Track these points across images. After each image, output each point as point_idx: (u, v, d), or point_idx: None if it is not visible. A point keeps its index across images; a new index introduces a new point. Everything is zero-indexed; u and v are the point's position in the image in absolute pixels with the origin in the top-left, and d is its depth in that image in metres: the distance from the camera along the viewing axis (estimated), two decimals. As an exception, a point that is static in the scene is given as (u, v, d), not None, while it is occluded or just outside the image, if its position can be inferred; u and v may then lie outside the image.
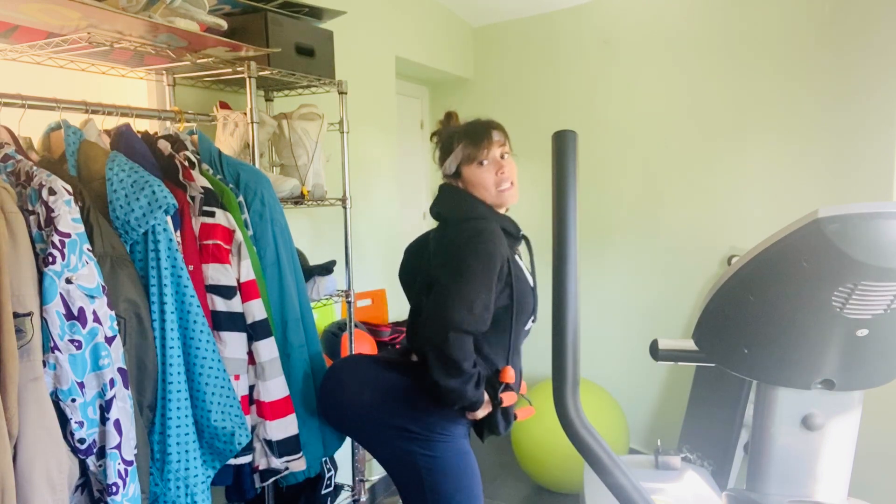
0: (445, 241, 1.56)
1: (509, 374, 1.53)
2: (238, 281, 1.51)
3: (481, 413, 1.50)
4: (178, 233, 1.44)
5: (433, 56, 3.37)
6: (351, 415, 1.62)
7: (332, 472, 1.98)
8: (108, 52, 1.60)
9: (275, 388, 1.56)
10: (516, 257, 1.60)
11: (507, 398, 1.53)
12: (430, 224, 1.68)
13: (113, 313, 1.22)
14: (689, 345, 1.25)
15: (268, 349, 1.55)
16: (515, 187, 1.60)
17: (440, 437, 1.52)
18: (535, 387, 2.99)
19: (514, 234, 1.60)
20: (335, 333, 2.27)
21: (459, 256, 1.46)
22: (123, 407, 1.22)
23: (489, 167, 1.57)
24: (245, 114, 1.79)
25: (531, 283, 1.60)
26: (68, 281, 1.15)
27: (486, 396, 1.49)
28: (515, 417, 1.62)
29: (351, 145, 2.20)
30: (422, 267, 1.62)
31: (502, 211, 1.63)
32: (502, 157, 1.59)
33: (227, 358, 1.48)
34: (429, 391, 1.46)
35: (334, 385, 1.65)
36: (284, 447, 1.58)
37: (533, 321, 1.63)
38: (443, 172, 1.66)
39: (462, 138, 1.59)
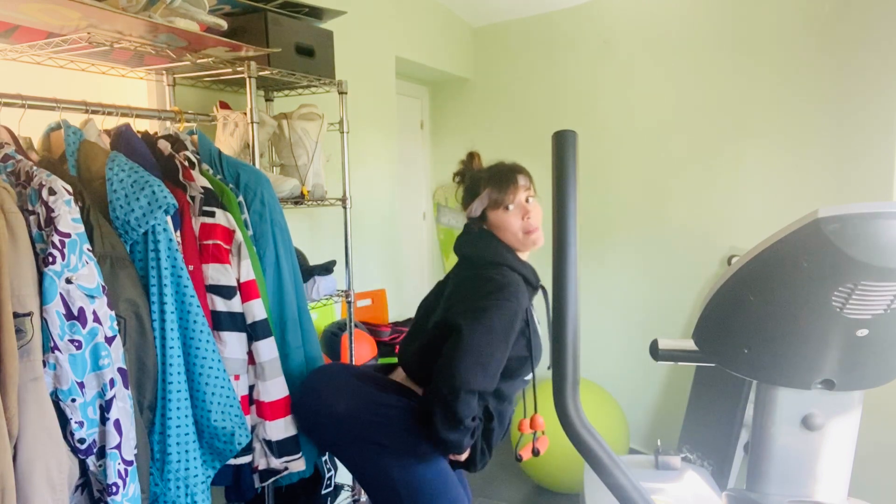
0: (468, 286, 1.55)
1: (539, 423, 1.61)
2: (238, 281, 1.51)
3: (464, 456, 1.53)
4: (178, 233, 1.44)
5: (433, 56, 3.37)
6: (325, 423, 1.59)
7: (332, 472, 1.98)
8: (108, 52, 1.60)
9: (274, 388, 1.56)
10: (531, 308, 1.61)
11: (542, 444, 1.64)
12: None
13: (113, 313, 1.22)
14: (689, 345, 1.25)
15: (268, 349, 1.55)
16: (541, 232, 1.60)
17: (414, 450, 1.51)
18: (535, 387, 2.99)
19: (532, 284, 1.61)
20: (335, 333, 2.27)
21: (483, 309, 1.45)
22: (123, 407, 1.22)
23: (515, 212, 1.58)
24: (245, 114, 1.79)
25: (540, 334, 1.61)
26: (68, 281, 1.15)
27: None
28: (520, 459, 1.67)
29: (351, 145, 2.20)
30: (439, 302, 1.62)
31: (525, 256, 1.63)
32: (527, 200, 1.60)
33: (227, 358, 1.48)
34: (427, 435, 1.45)
35: (308, 392, 1.62)
36: (284, 447, 1.58)
37: (533, 368, 1.63)
38: (467, 215, 1.65)
39: (487, 183, 1.60)
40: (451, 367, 1.39)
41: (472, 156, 1.73)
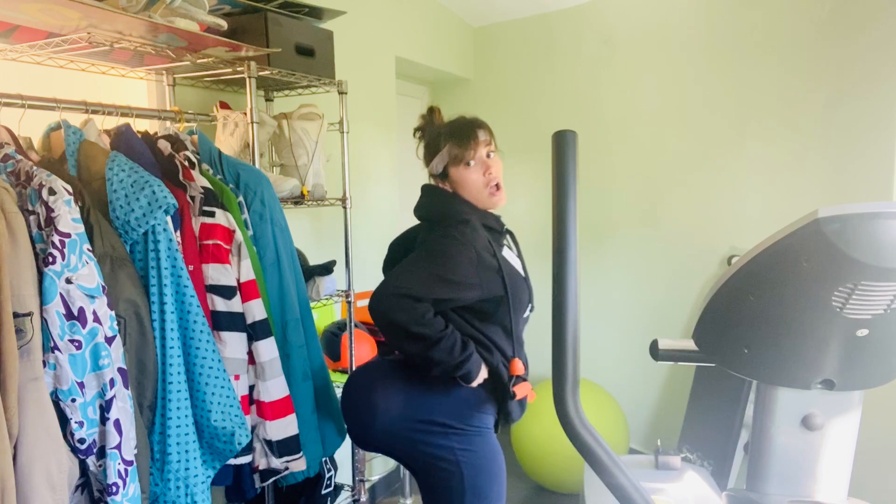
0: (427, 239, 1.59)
1: (518, 367, 1.56)
2: (238, 281, 1.51)
3: (475, 383, 1.51)
4: (178, 233, 1.44)
5: (433, 56, 3.37)
6: (385, 431, 1.57)
7: (332, 472, 1.98)
8: (108, 52, 1.60)
9: (275, 388, 1.56)
10: (506, 251, 1.62)
11: (520, 390, 1.56)
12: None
13: (113, 313, 1.22)
14: (689, 345, 1.25)
15: (268, 349, 1.55)
16: (503, 191, 1.62)
17: (476, 430, 1.54)
18: (535, 387, 2.99)
19: (497, 230, 1.63)
20: (335, 333, 2.27)
21: (429, 250, 1.52)
22: (123, 407, 1.22)
23: (476, 167, 1.59)
24: (245, 114, 1.79)
25: (522, 274, 1.62)
26: (68, 281, 1.15)
27: (482, 369, 1.52)
28: (514, 396, 1.64)
29: (351, 145, 2.20)
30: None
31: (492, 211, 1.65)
32: (488, 156, 1.60)
33: (227, 358, 1.48)
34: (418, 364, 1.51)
35: (357, 411, 1.61)
36: (284, 447, 1.58)
37: (531, 310, 1.66)
38: (429, 172, 1.67)
39: (448, 139, 1.60)
40: (383, 282, 1.47)
41: (432, 110, 1.72)
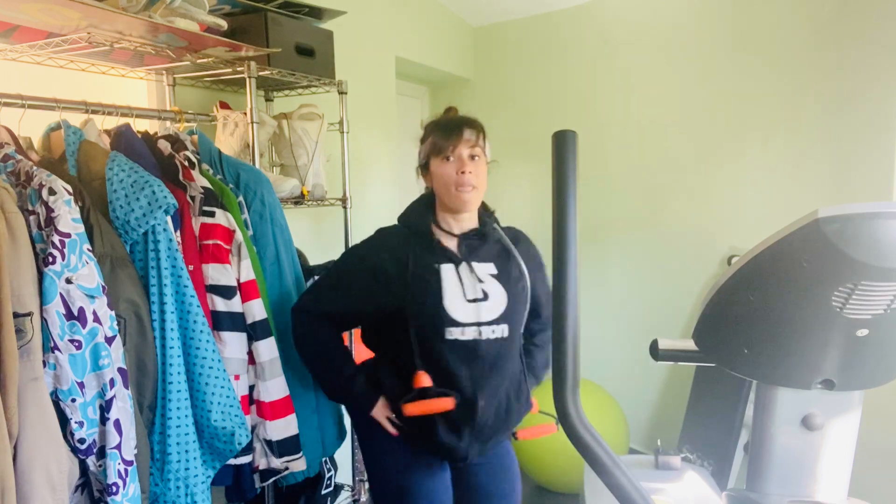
0: None
1: (421, 380, 1.44)
2: (238, 281, 1.51)
3: (377, 415, 1.54)
4: (178, 233, 1.44)
5: (433, 56, 3.37)
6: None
7: (332, 472, 1.98)
8: (108, 52, 1.60)
9: (275, 388, 1.56)
10: (446, 264, 1.49)
11: (412, 408, 1.43)
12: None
13: (113, 313, 1.22)
14: (689, 345, 1.25)
15: (268, 349, 1.55)
16: (477, 191, 1.50)
17: (366, 434, 1.61)
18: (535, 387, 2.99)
19: (420, 232, 1.53)
20: (335, 333, 2.27)
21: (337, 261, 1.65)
22: (123, 407, 1.22)
23: (453, 163, 1.50)
24: (245, 114, 1.79)
25: (442, 286, 1.46)
26: (68, 281, 1.15)
27: (377, 403, 1.54)
28: (515, 437, 1.67)
29: (351, 145, 2.20)
30: None
31: (464, 214, 1.54)
32: (472, 158, 1.50)
33: (227, 358, 1.48)
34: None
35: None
36: (284, 447, 1.58)
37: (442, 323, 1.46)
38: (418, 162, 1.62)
39: (434, 129, 1.55)
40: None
41: (448, 110, 1.66)
